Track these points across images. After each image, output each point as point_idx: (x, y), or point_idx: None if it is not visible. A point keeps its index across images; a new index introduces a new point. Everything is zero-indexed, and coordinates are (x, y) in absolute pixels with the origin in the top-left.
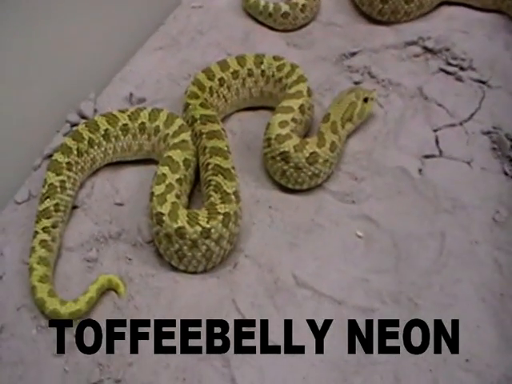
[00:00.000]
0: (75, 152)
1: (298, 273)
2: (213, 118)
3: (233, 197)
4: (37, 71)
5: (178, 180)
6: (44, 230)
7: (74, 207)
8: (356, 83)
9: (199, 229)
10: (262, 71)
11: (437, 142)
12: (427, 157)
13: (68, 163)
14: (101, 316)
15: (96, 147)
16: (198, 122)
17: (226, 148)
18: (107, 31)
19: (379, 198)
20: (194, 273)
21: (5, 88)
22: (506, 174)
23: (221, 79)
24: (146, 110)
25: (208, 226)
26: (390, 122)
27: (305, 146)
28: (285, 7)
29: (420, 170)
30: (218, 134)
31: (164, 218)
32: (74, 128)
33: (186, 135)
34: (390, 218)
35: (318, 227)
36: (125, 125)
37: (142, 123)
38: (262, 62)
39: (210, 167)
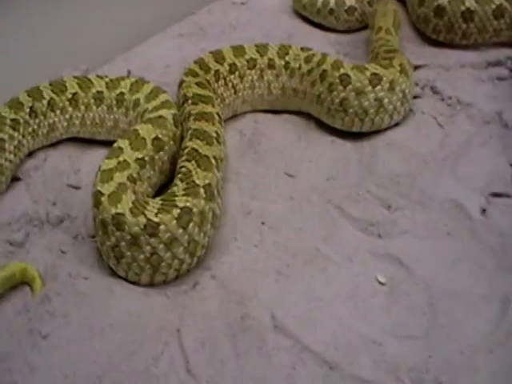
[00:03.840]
0: (27, 110)
1: (278, 313)
2: (207, 99)
3: (202, 190)
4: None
5: (139, 160)
6: None
7: (16, 178)
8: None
9: (143, 220)
10: (287, 63)
11: None
12: (496, 195)
13: (14, 120)
14: (2, 315)
15: (58, 112)
16: (189, 101)
17: (214, 134)
18: (123, 8)
19: (417, 237)
20: (137, 284)
21: None
22: None
23: (232, 65)
24: (129, 80)
25: (155, 219)
26: (450, 146)
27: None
28: (350, 1)
29: (484, 210)
30: (209, 117)
31: (102, 199)
32: None
33: (166, 112)
34: (428, 266)
35: (323, 259)
36: (99, 92)
37: (121, 94)
38: (287, 53)
39: (185, 151)
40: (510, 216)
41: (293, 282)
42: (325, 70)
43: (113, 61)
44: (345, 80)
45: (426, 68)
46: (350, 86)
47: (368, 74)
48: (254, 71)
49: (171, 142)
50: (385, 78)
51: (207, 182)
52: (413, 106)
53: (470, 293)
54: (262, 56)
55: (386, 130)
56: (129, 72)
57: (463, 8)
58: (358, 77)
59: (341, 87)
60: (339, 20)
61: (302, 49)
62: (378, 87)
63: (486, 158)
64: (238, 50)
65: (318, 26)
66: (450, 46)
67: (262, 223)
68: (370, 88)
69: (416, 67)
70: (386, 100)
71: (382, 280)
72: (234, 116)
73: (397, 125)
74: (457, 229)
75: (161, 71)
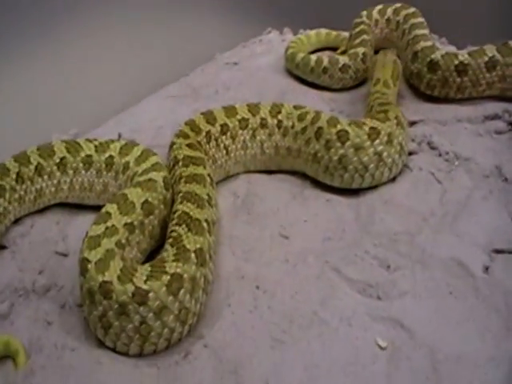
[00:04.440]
0: (13, 176)
1: (274, 382)
2: (198, 161)
3: (193, 256)
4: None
5: (128, 225)
6: None
7: (1, 247)
8: (409, 154)
9: (131, 288)
10: (279, 122)
11: None
12: (500, 252)
13: (0, 187)
14: None
15: (46, 177)
16: (180, 163)
17: (205, 196)
18: (116, 71)
19: (418, 298)
20: (126, 355)
21: None
22: None
23: (224, 125)
24: (119, 143)
25: (144, 286)
26: (450, 203)
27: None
28: (343, 59)
29: (487, 268)
30: (200, 179)
31: (89, 266)
32: None
33: (156, 175)
34: (431, 328)
35: (320, 324)
36: (88, 156)
37: (110, 157)
38: (279, 112)
39: (176, 215)
40: None
41: (289, 348)
42: (320, 128)
43: (104, 123)
44: (343, 136)
45: (422, 123)
46: (348, 143)
47: (366, 128)
48: (246, 131)
49: (161, 206)
50: (383, 132)
51: (198, 246)
52: (410, 162)
53: (475, 356)
54: (253, 115)
55: (382, 186)
56: (119, 135)
57: (457, 62)
58: (357, 132)
59: (339, 144)
60: (333, 78)
61: (294, 107)
62: (377, 141)
63: (487, 214)
64: (230, 111)
65: (312, 85)
66: (445, 100)
67: (257, 287)
68: (368, 143)
69: (412, 123)
70: (385, 153)
71: (383, 344)
72: (227, 177)
73: (394, 181)
74: (459, 288)
75: (153, 133)
